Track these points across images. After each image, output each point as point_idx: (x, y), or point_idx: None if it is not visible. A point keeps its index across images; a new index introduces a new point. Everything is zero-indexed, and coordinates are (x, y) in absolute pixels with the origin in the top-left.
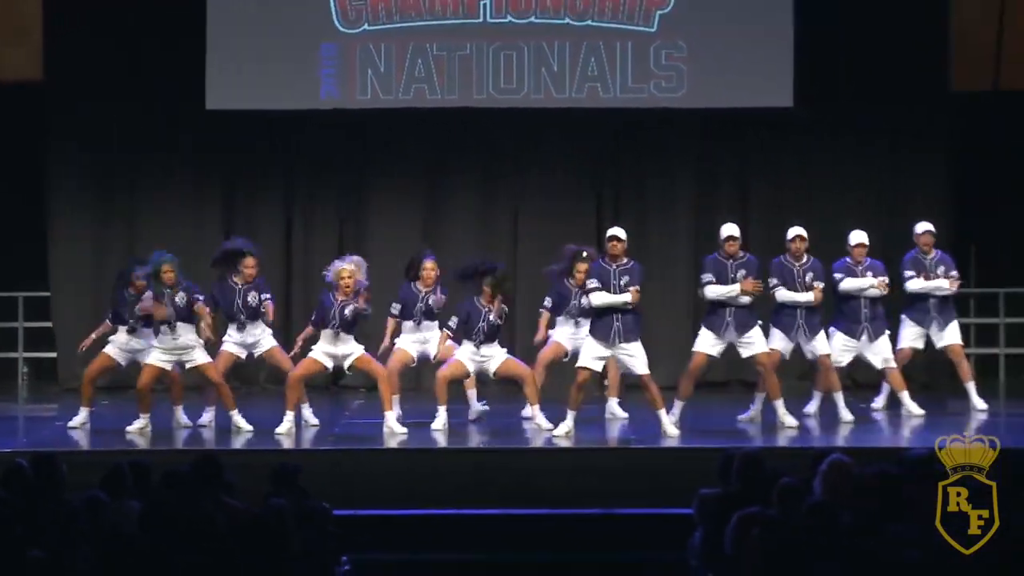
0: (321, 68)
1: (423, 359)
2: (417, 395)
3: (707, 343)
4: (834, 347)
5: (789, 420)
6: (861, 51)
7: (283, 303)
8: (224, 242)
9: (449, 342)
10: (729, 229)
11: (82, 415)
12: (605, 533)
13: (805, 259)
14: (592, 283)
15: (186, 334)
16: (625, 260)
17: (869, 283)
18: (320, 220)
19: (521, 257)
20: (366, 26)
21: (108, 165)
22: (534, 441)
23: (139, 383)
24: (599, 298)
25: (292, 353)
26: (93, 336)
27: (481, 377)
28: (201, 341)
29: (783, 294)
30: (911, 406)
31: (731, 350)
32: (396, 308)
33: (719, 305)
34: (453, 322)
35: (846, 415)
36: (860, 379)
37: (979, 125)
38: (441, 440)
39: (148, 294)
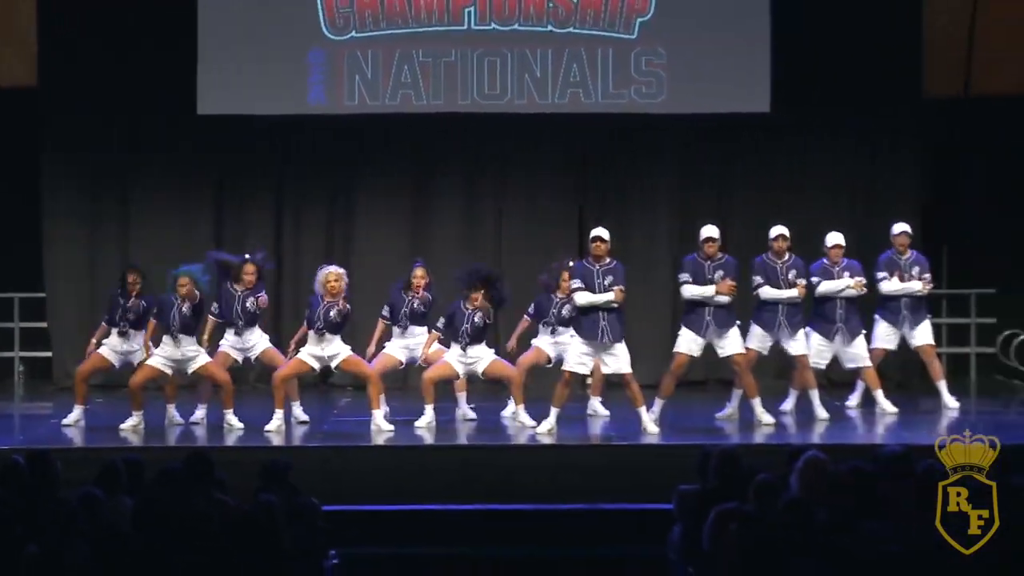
0: (310, 74)
1: (411, 362)
2: (404, 394)
3: (687, 343)
4: (811, 349)
5: (766, 418)
6: (836, 58)
7: (274, 304)
8: (211, 253)
9: (437, 345)
10: (708, 231)
11: (76, 413)
12: (587, 528)
13: (787, 257)
14: (575, 283)
15: (187, 344)
16: (608, 260)
17: (845, 284)
18: (309, 222)
19: (505, 258)
20: (354, 33)
21: (101, 168)
22: (518, 438)
23: (132, 380)
24: (583, 298)
25: (287, 355)
26: (94, 341)
27: (471, 378)
28: (202, 350)
29: (767, 292)
30: (885, 404)
31: (710, 349)
32: (386, 311)
33: (697, 305)
34: (441, 323)
35: (821, 413)
36: (835, 378)
37: (950, 129)
38: (427, 437)
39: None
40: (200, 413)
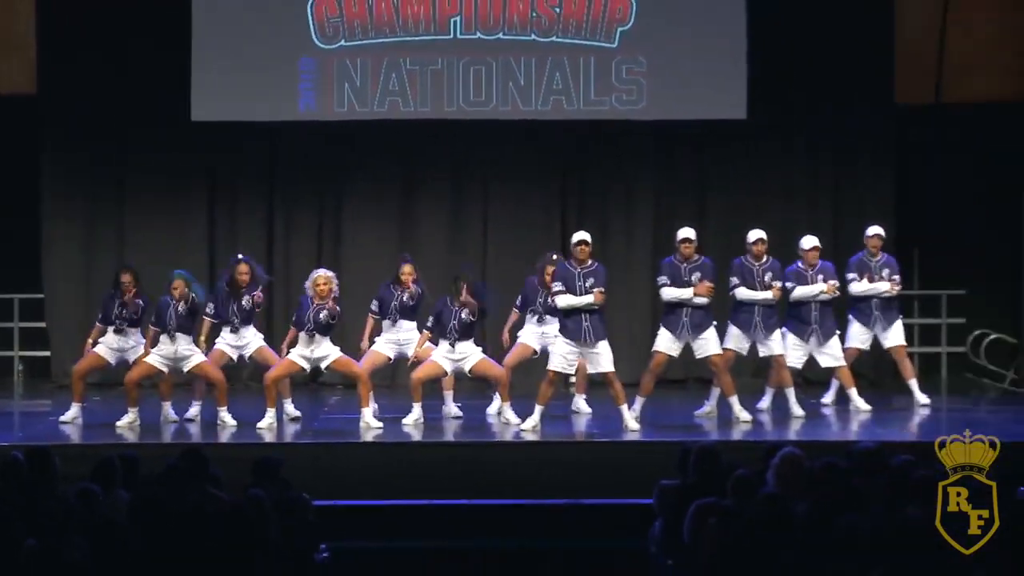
0: (300, 82)
1: (400, 358)
2: (392, 392)
3: (666, 343)
4: (787, 349)
5: (744, 415)
6: (810, 66)
7: (265, 307)
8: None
9: (428, 344)
10: (684, 232)
11: (73, 410)
12: (570, 522)
13: (765, 260)
14: (557, 286)
15: (184, 344)
16: (590, 263)
17: (819, 289)
18: (300, 225)
19: (490, 260)
20: (343, 42)
21: (98, 173)
22: (503, 436)
23: (128, 377)
24: (564, 300)
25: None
26: (90, 341)
27: (458, 375)
28: (198, 349)
29: (743, 293)
30: (859, 402)
31: (689, 349)
32: (375, 305)
33: (676, 306)
34: (430, 322)
35: (797, 411)
36: (810, 376)
37: (922, 134)
38: (415, 435)
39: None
40: (194, 410)
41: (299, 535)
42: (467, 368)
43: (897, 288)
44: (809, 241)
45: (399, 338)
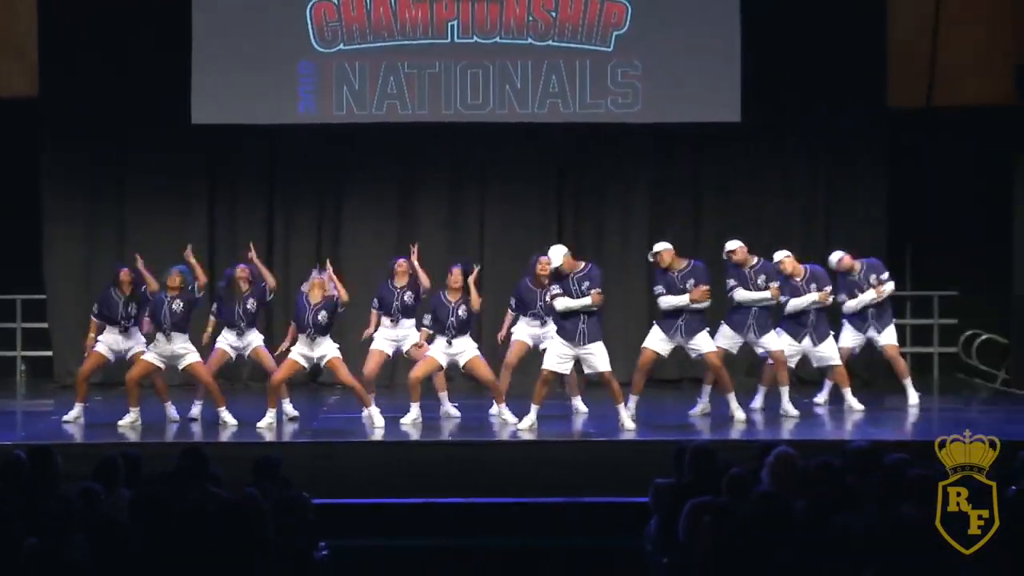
0: (299, 85)
1: (397, 353)
2: (391, 392)
3: (656, 341)
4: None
5: (739, 414)
6: (804, 70)
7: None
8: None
9: (426, 343)
10: (657, 248)
11: (76, 410)
12: (567, 520)
13: (755, 261)
14: (555, 289)
15: (179, 341)
16: (582, 267)
17: (811, 300)
18: (299, 226)
19: (487, 260)
20: (341, 46)
21: (98, 174)
22: (501, 435)
23: (129, 375)
24: (562, 303)
25: (276, 353)
26: (92, 335)
27: (451, 375)
28: (193, 348)
29: (740, 294)
30: (852, 401)
31: (680, 350)
32: (376, 303)
33: (673, 311)
34: (427, 320)
35: (791, 410)
36: (803, 376)
37: (914, 137)
38: (413, 434)
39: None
40: (196, 409)
41: (299, 534)
42: (461, 363)
43: (884, 289)
44: (778, 255)
45: (398, 334)
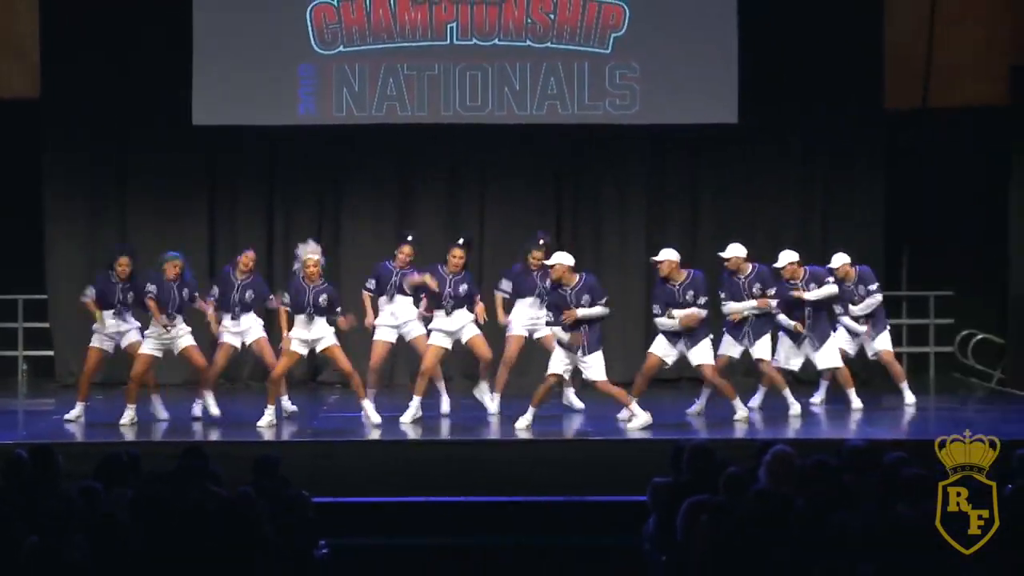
0: (300, 87)
1: (400, 338)
2: (390, 391)
3: (663, 348)
4: (781, 353)
5: (741, 412)
6: (801, 72)
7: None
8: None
9: (421, 330)
10: (663, 255)
11: (77, 409)
12: (565, 519)
13: (749, 270)
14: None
15: (180, 326)
16: (576, 280)
17: (750, 306)
18: (299, 225)
19: (486, 260)
20: (341, 48)
21: (99, 176)
22: (500, 434)
23: (135, 373)
24: (586, 312)
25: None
26: (97, 314)
27: (449, 371)
28: (188, 329)
29: (729, 307)
30: (857, 402)
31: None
32: (371, 284)
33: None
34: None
35: (795, 408)
36: (801, 376)
37: (910, 138)
38: (413, 432)
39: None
40: (198, 409)
41: (299, 532)
42: (464, 339)
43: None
44: (783, 258)
45: (395, 312)
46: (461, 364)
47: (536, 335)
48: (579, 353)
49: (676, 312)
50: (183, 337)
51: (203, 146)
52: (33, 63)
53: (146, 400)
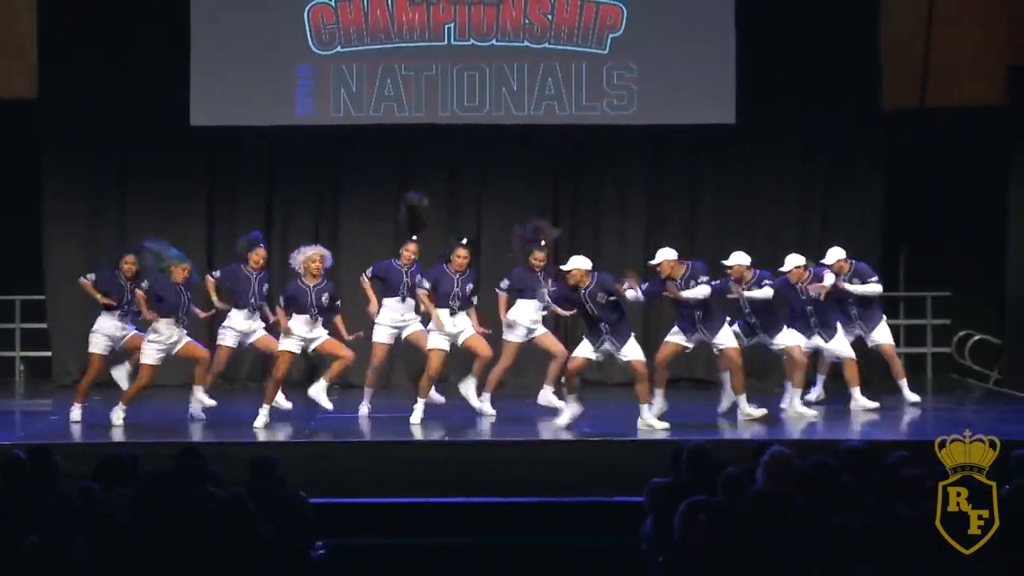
0: (297, 87)
1: (397, 339)
2: (389, 391)
3: (678, 337)
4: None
5: (749, 412)
6: (798, 72)
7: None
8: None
9: (419, 326)
10: (660, 256)
11: (76, 412)
12: (563, 519)
13: (751, 276)
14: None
15: (180, 328)
16: (587, 281)
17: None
18: (298, 225)
19: (485, 261)
20: (339, 48)
21: (99, 176)
22: (498, 435)
23: (142, 382)
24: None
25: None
26: (99, 298)
27: (447, 372)
28: (184, 331)
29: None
30: (861, 401)
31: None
32: (370, 271)
33: (685, 310)
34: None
35: (798, 406)
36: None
37: (908, 138)
38: (416, 433)
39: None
40: (198, 410)
41: (296, 533)
42: (460, 341)
43: (865, 288)
44: (789, 262)
45: (402, 316)
46: (460, 364)
47: (532, 336)
48: (613, 347)
49: (684, 292)
50: (181, 340)
51: (202, 146)
52: (32, 63)
53: (149, 402)
